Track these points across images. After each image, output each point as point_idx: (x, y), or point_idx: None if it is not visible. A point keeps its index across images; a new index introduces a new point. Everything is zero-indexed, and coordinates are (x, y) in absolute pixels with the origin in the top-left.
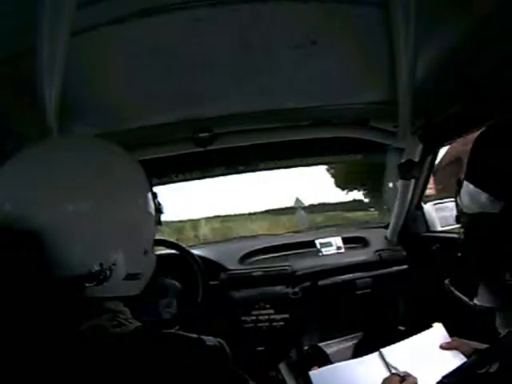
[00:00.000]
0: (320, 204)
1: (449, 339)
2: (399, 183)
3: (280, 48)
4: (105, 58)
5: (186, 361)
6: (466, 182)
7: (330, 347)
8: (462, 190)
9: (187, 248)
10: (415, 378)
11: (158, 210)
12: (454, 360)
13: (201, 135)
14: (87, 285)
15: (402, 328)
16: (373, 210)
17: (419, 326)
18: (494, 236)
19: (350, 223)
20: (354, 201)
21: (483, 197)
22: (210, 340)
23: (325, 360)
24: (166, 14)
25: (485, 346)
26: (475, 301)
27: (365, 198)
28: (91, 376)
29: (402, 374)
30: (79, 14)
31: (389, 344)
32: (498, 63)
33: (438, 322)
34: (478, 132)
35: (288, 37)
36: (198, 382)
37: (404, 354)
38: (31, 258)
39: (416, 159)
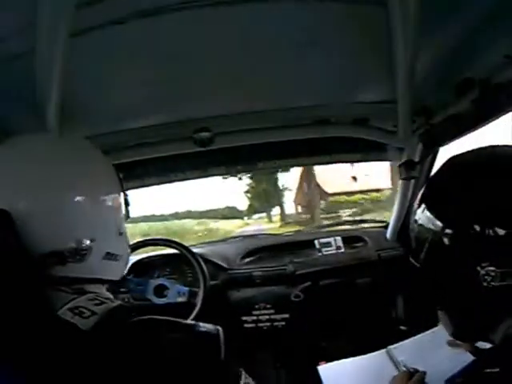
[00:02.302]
0: (187, 211)
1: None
2: (399, 183)
3: (280, 48)
4: (105, 58)
5: (170, 345)
6: (422, 208)
7: (331, 347)
8: (419, 211)
9: (189, 247)
10: (423, 373)
11: (126, 202)
12: (460, 358)
13: (200, 135)
14: (69, 260)
15: (403, 328)
16: (247, 218)
17: (420, 325)
18: (443, 263)
19: (348, 222)
20: (227, 208)
21: (435, 222)
22: (204, 326)
23: (326, 359)
24: (165, 14)
25: (488, 345)
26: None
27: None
28: (72, 362)
29: (411, 370)
30: (79, 15)
31: (390, 343)
32: (498, 63)
33: (439, 322)
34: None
35: (288, 37)
36: (181, 366)
37: (411, 351)
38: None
39: (416, 159)
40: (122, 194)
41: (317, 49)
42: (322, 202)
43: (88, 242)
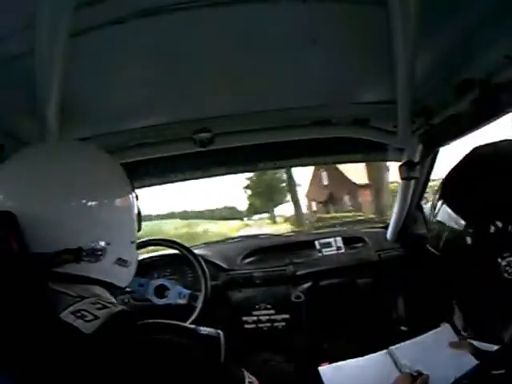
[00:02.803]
0: (183, 212)
1: (456, 338)
2: (399, 184)
3: (280, 48)
4: (105, 58)
5: (172, 349)
6: (441, 202)
7: (332, 347)
8: (439, 209)
9: (190, 248)
10: (426, 377)
11: (139, 212)
12: (462, 359)
13: (200, 135)
14: (85, 259)
15: (403, 328)
16: (246, 219)
17: (420, 326)
18: (463, 262)
19: (349, 222)
20: (226, 208)
21: (457, 221)
22: (205, 330)
23: (326, 360)
24: (165, 14)
25: (489, 345)
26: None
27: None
28: (74, 366)
29: (414, 374)
30: (79, 15)
31: (391, 344)
32: (498, 63)
33: (439, 322)
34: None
35: (288, 37)
36: (183, 370)
37: (413, 352)
38: (11, 233)
39: (416, 159)
40: (136, 202)
41: (317, 49)
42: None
43: (104, 244)
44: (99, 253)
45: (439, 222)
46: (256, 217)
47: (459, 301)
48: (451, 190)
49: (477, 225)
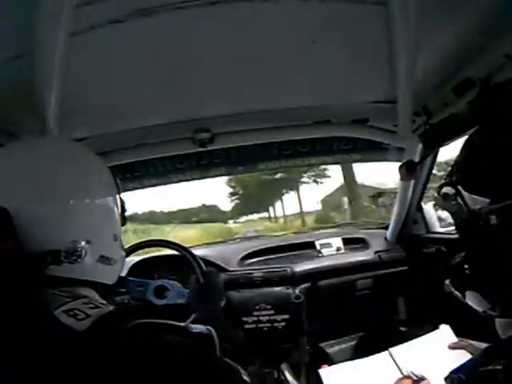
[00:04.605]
0: (150, 212)
1: (455, 340)
2: (399, 184)
3: (280, 48)
4: (104, 58)
5: (165, 347)
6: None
7: (331, 348)
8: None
9: (189, 249)
10: (429, 382)
11: (123, 207)
12: (462, 360)
13: (200, 135)
14: (65, 260)
15: (403, 329)
16: (232, 221)
17: (420, 326)
18: (488, 240)
19: (350, 223)
20: (204, 206)
21: (478, 200)
22: (197, 327)
23: (326, 360)
24: (166, 13)
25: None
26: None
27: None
28: (66, 363)
29: (415, 378)
30: (78, 14)
31: (390, 345)
32: (498, 63)
33: (439, 322)
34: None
35: (288, 36)
36: (180, 370)
37: (413, 354)
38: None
39: (416, 159)
40: (118, 197)
41: (317, 49)
42: None
43: (83, 244)
44: (79, 253)
45: (457, 204)
46: (243, 218)
47: (479, 283)
48: (468, 169)
49: (502, 200)
